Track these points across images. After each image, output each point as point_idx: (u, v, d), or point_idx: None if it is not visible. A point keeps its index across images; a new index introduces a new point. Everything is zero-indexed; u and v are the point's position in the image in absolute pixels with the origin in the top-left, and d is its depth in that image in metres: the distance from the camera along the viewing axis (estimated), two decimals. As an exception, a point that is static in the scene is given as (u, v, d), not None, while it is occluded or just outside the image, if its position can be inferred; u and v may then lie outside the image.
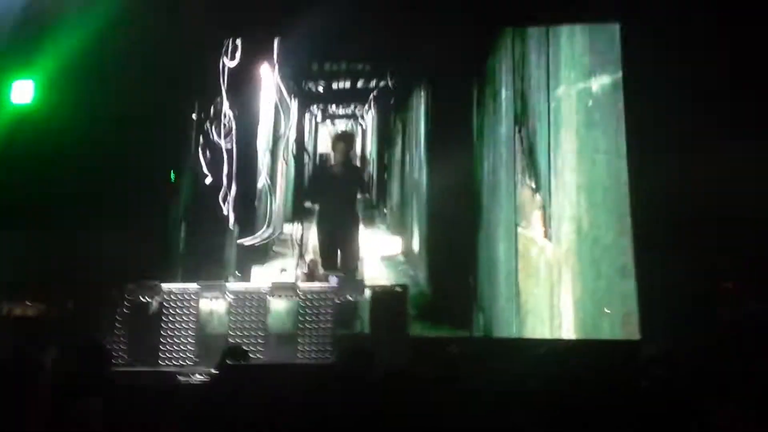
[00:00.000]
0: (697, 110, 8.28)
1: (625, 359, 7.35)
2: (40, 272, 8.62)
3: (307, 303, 7.88)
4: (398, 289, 8.16)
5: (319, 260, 9.39)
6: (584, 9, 8.71)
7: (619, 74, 7.62)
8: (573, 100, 8.19)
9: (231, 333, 7.82)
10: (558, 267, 8.45)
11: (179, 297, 8.12)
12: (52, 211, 8.86)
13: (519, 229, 9.77)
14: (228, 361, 6.61)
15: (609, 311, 7.54)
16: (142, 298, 8.22)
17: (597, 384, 6.64)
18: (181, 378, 7.47)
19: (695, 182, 7.81)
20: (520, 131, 9.75)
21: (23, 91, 9.43)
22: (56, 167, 8.95)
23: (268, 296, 7.96)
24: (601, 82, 7.74)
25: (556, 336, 8.47)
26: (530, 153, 9.29)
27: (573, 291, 8.08)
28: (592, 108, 7.81)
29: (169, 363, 7.91)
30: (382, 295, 7.91)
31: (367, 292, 7.99)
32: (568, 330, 8.15)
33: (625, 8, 8.75)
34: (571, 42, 8.34)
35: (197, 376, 7.51)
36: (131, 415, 6.30)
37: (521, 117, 9.75)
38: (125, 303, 8.27)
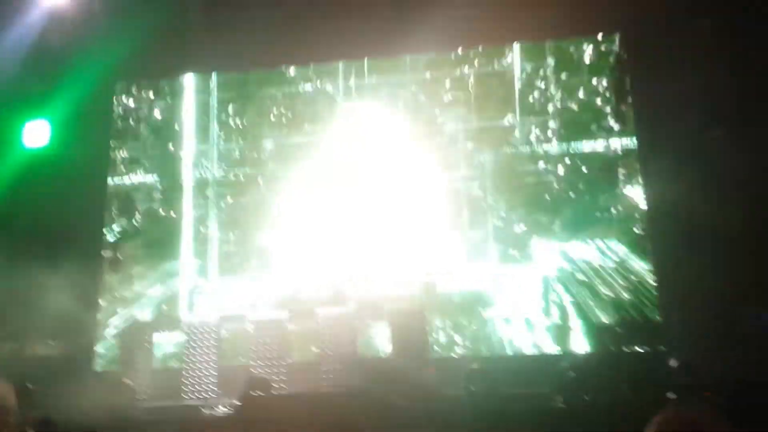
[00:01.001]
0: (702, 111, 8.37)
1: (648, 370, 7.31)
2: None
3: (327, 329, 7.85)
4: (417, 311, 8.07)
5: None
6: (586, 22, 9.36)
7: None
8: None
9: (253, 363, 7.81)
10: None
11: (200, 329, 8.16)
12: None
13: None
14: (251, 393, 6.61)
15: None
16: (163, 332, 8.29)
17: (621, 395, 6.61)
18: (204, 411, 7.47)
19: (709, 189, 7.83)
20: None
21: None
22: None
23: (287, 324, 7.96)
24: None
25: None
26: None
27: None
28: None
29: (192, 396, 7.91)
30: (402, 317, 7.83)
31: (387, 316, 7.94)
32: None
33: (625, 18, 9.15)
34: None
35: (220, 408, 7.51)
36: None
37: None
38: (147, 335, 8.36)
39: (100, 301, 9.85)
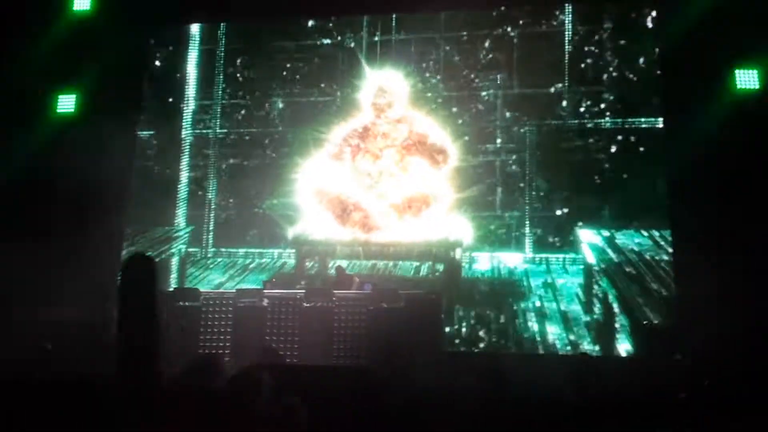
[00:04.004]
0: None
1: (661, 375, 7.20)
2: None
3: (342, 309, 7.91)
4: (432, 296, 8.10)
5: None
6: None
7: None
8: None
9: (267, 337, 7.89)
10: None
11: (217, 302, 8.27)
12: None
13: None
14: (261, 364, 6.69)
15: None
16: (181, 304, 8.40)
17: (631, 398, 6.54)
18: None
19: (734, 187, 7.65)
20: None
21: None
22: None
23: (303, 302, 8.03)
24: None
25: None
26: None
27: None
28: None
29: (207, 366, 7.99)
30: (416, 302, 7.85)
31: (402, 300, 7.96)
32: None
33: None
34: None
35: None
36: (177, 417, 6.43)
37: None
38: (165, 308, 8.48)
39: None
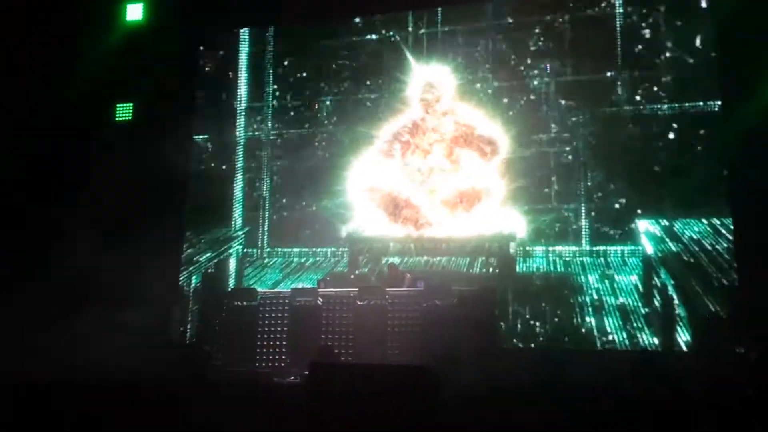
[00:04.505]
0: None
1: (729, 368, 6.97)
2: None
3: (395, 307, 7.94)
4: (486, 292, 8.05)
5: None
6: None
7: None
8: None
9: (322, 336, 8.01)
10: None
11: (274, 301, 8.43)
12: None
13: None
14: (318, 362, 6.78)
15: None
16: (239, 303, 8.60)
17: (693, 395, 6.35)
18: (275, 378, 7.73)
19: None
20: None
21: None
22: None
23: (357, 300, 8.11)
24: None
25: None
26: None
27: None
28: None
29: (265, 364, 8.19)
30: (469, 299, 7.81)
31: (456, 298, 7.94)
32: None
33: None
34: None
35: (290, 377, 7.75)
36: (231, 413, 6.60)
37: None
38: (224, 308, 8.71)
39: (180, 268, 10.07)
